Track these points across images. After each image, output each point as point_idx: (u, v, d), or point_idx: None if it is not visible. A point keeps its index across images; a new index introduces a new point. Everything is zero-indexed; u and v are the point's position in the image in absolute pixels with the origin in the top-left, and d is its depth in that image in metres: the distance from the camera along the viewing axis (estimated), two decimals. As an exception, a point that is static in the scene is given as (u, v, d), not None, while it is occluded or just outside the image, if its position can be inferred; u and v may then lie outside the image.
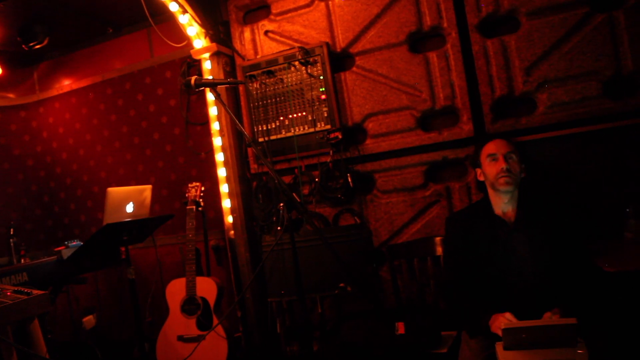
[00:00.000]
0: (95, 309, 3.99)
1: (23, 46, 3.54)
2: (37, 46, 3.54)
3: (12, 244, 3.16)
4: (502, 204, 2.07)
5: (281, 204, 3.07)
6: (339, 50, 3.08)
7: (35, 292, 2.06)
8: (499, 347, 1.73)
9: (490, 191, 2.11)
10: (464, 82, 2.80)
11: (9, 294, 2.08)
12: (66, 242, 2.91)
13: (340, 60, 3.13)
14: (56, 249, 2.82)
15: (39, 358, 2.02)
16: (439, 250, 2.69)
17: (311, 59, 3.05)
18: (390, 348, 2.28)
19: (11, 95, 4.29)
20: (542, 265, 1.96)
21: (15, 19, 3.37)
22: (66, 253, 2.78)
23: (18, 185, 4.24)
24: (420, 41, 2.96)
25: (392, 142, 2.98)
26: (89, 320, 3.89)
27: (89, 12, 3.56)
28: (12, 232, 3.15)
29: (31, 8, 3.26)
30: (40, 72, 4.32)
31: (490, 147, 2.08)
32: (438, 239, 2.72)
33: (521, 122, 2.70)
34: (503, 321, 1.78)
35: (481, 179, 2.14)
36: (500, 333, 1.72)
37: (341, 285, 2.74)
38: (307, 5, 3.15)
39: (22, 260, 2.72)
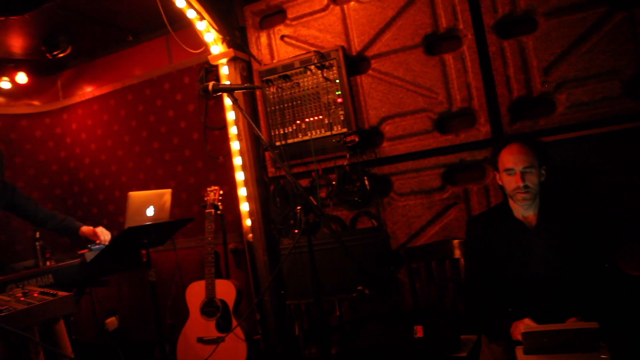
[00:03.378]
0: (118, 311, 4.06)
1: (47, 55, 3.65)
2: (61, 55, 3.64)
3: (37, 247, 3.25)
4: (522, 209, 2.05)
5: (298, 207, 3.07)
6: (354, 53, 3.10)
7: (61, 293, 2.12)
8: (519, 351, 1.71)
9: (509, 198, 2.09)
10: (480, 83, 2.78)
11: (35, 295, 2.14)
12: (89, 245, 2.97)
13: (356, 63, 3.14)
14: (80, 252, 2.88)
15: (65, 357, 2.07)
16: (458, 253, 2.68)
17: (327, 63, 3.07)
18: (409, 351, 2.28)
19: (36, 103, 4.42)
20: (563, 270, 1.94)
21: (40, 29, 3.47)
22: (89, 256, 2.84)
23: (43, 190, 4.36)
24: (436, 43, 2.95)
25: (409, 145, 2.97)
26: (112, 321, 3.97)
27: (109, 21, 3.65)
28: (37, 236, 3.23)
29: (55, 18, 3.36)
30: (63, 80, 4.43)
31: (508, 160, 2.00)
32: (456, 241, 2.70)
33: (540, 123, 2.67)
34: (523, 327, 1.76)
35: (500, 183, 2.11)
36: (520, 339, 1.70)
37: (359, 288, 2.74)
38: (323, 10, 3.17)
39: (48, 263, 2.79)
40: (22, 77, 4.12)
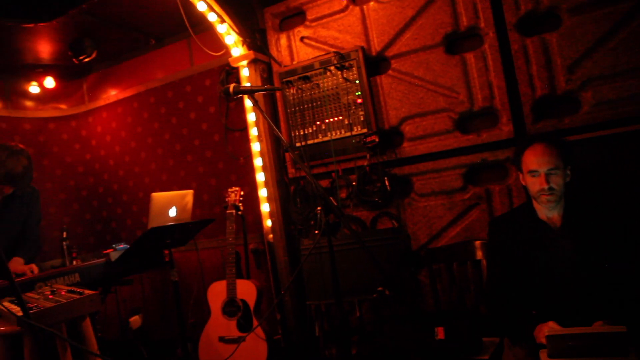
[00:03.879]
0: (141, 310, 4.14)
1: (74, 60, 3.75)
2: (86, 59, 3.73)
3: (64, 247, 3.34)
4: (547, 210, 2.01)
5: (319, 208, 3.09)
6: (374, 54, 3.09)
7: (87, 292, 2.17)
8: (543, 354, 1.68)
9: (533, 198, 2.05)
10: (502, 82, 2.74)
11: (63, 293, 2.20)
12: (114, 245, 3.04)
13: (375, 63, 3.13)
14: (105, 252, 2.95)
15: (91, 354, 2.12)
16: (480, 254, 2.64)
17: (347, 64, 3.07)
18: (430, 353, 2.26)
19: (63, 106, 4.54)
20: (589, 271, 1.89)
21: (67, 34, 3.57)
22: (114, 255, 2.91)
23: (70, 191, 4.48)
24: (457, 42, 2.92)
25: (430, 145, 2.95)
26: (135, 320, 4.04)
27: (133, 26, 3.73)
28: (64, 235, 3.32)
29: (81, 24, 3.44)
30: (89, 84, 4.54)
31: (531, 161, 1.96)
32: (478, 242, 2.67)
33: (564, 122, 2.61)
34: (547, 329, 1.73)
35: (524, 183, 2.07)
36: (545, 342, 1.67)
37: (379, 289, 2.73)
38: (342, 11, 3.18)
39: (74, 262, 2.87)
40: (50, 82, 4.25)
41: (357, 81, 3.06)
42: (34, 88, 4.27)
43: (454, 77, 2.86)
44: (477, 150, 2.83)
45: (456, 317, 2.59)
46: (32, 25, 3.27)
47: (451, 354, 2.22)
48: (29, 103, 4.35)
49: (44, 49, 3.79)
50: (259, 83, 3.33)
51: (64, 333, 2.15)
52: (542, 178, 1.92)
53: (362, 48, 3.06)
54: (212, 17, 3.21)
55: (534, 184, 1.96)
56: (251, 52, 3.30)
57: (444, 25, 2.87)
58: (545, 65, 2.64)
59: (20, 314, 1.75)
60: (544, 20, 2.67)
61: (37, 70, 4.18)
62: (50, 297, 2.15)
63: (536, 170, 1.94)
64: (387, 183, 2.99)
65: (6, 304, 1.95)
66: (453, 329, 2.26)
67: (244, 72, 3.37)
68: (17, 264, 2.75)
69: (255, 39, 3.41)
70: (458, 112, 2.87)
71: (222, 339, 3.03)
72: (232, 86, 2.06)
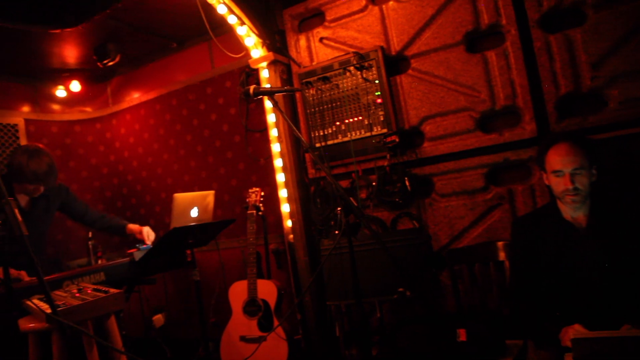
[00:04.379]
0: (164, 308, 4.20)
1: (98, 64, 3.84)
2: (110, 63, 3.82)
3: (90, 246, 3.43)
4: (572, 210, 1.97)
5: (339, 208, 3.09)
6: (393, 53, 3.07)
7: (112, 290, 2.22)
8: (568, 358, 1.64)
9: (557, 198, 2.01)
10: (525, 80, 2.69)
11: (89, 291, 2.26)
12: (137, 245, 3.09)
13: (395, 63, 3.11)
14: (129, 251, 3.00)
15: (116, 351, 2.17)
16: (502, 255, 2.60)
17: (366, 64, 3.06)
18: (451, 355, 2.23)
19: (88, 109, 4.65)
20: (615, 273, 1.84)
21: (92, 39, 3.66)
22: (137, 255, 2.96)
23: (95, 192, 4.58)
24: (478, 40, 2.89)
25: (451, 145, 2.92)
26: (158, 318, 4.11)
27: (155, 30, 3.80)
28: (90, 235, 3.41)
29: (105, 29, 3.53)
30: (113, 87, 4.64)
31: (556, 161, 1.91)
32: (501, 243, 2.63)
33: (589, 120, 2.56)
34: (572, 332, 1.69)
35: (548, 183, 2.02)
36: (570, 345, 1.64)
37: (400, 289, 2.71)
38: (361, 11, 3.17)
39: (99, 261, 2.94)
40: (75, 86, 4.36)
41: (377, 81, 3.05)
42: (60, 92, 4.39)
43: (475, 75, 2.83)
44: (499, 149, 2.80)
45: (478, 319, 2.56)
46: (58, 30, 3.36)
47: (473, 356, 2.19)
48: (55, 106, 4.47)
49: (70, 53, 3.89)
50: (279, 84, 3.35)
51: (90, 330, 2.21)
52: (567, 178, 1.88)
53: (382, 48, 3.05)
54: (232, 20, 3.25)
55: (558, 184, 1.92)
56: (271, 53, 3.32)
57: (465, 23, 2.84)
58: (570, 62, 2.58)
59: (49, 311, 1.80)
60: (567, 16, 2.62)
61: (64, 74, 4.29)
62: (77, 295, 2.21)
63: (560, 170, 1.90)
64: (407, 183, 2.97)
65: (36, 301, 2.01)
66: (475, 331, 2.23)
67: (264, 74, 3.40)
68: (137, 227, 3.17)
69: (275, 40, 3.43)
70: (479, 111, 2.84)
71: (243, 339, 3.06)
72: (252, 87, 2.08)
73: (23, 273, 2.59)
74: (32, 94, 4.29)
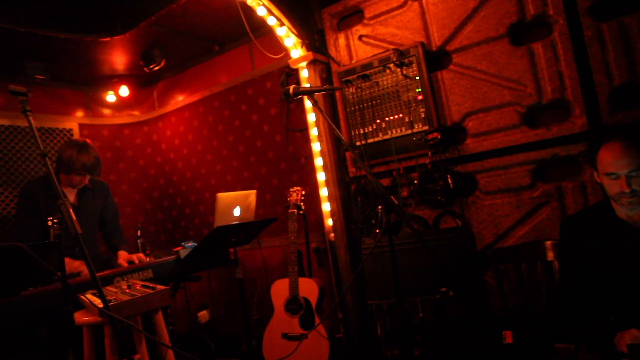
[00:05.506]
0: (208, 305, 4.31)
1: (145, 69, 3.99)
2: (156, 68, 3.96)
3: (139, 244, 3.56)
4: (627, 209, 1.85)
5: (379, 207, 3.07)
6: (434, 49, 3.02)
7: (159, 287, 2.30)
8: (623, 363, 1.56)
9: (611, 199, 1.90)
10: (574, 72, 2.57)
11: (138, 287, 2.35)
12: (183, 243, 3.18)
13: (436, 59, 3.05)
14: (174, 249, 3.10)
15: (164, 345, 2.24)
16: (551, 255, 2.50)
17: (406, 60, 3.02)
18: (497, 357, 2.17)
19: (136, 113, 4.84)
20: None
21: (138, 45, 3.81)
22: (183, 253, 3.05)
23: (143, 192, 4.76)
24: (523, 32, 2.78)
25: (495, 141, 2.83)
26: (203, 315, 4.22)
27: (198, 34, 3.90)
28: (139, 234, 3.54)
29: (150, 35, 3.66)
30: (158, 91, 4.81)
31: (609, 163, 1.78)
32: (549, 243, 2.52)
33: (646, 113, 2.41)
34: (629, 338, 1.60)
35: (599, 181, 1.91)
36: (626, 351, 1.55)
37: (443, 289, 2.66)
38: (400, 7, 3.13)
39: (147, 259, 3.04)
40: (124, 90, 4.55)
41: (417, 77, 3.00)
42: (110, 97, 4.60)
43: (520, 69, 2.73)
44: (546, 145, 2.68)
45: (525, 321, 2.47)
46: (108, 39, 3.52)
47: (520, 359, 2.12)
48: (106, 111, 4.68)
49: (119, 60, 4.07)
50: (319, 83, 3.36)
51: (140, 325, 2.30)
52: (622, 181, 1.75)
53: (422, 43, 3.00)
54: (271, 21, 3.29)
55: (613, 186, 1.80)
56: (310, 53, 3.34)
57: (509, 14, 2.75)
58: (624, 51, 2.44)
59: (101, 305, 1.89)
60: (621, 2, 2.48)
61: (113, 80, 4.49)
62: (127, 291, 2.30)
63: (615, 173, 1.77)
64: (449, 181, 2.91)
65: (89, 296, 2.12)
66: (522, 333, 2.16)
67: (304, 73, 3.42)
68: (125, 256, 3.04)
69: (314, 39, 3.45)
70: (525, 105, 2.73)
71: (285, 336, 3.09)
72: (291, 87, 2.10)
73: (79, 264, 2.74)
74: (84, 99, 4.52)
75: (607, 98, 2.50)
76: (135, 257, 3.01)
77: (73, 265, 2.70)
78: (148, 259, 3.03)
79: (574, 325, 1.97)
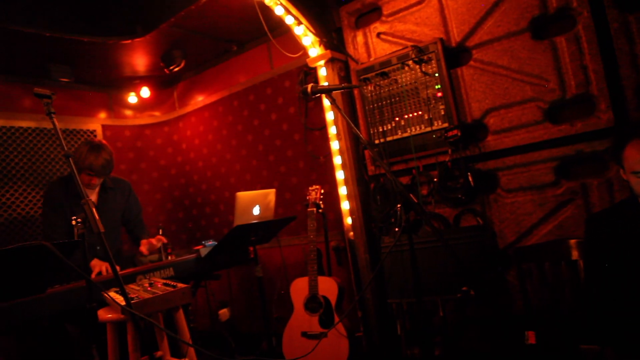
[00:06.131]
0: (229, 303, 4.35)
1: (165, 70, 4.05)
2: (176, 69, 4.02)
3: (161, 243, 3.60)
4: None
5: (399, 205, 3.04)
6: (454, 45, 2.97)
7: (180, 285, 2.33)
8: (652, 365, 1.51)
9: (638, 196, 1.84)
10: (599, 66, 2.50)
11: (159, 285, 2.38)
12: (203, 242, 3.22)
13: (455, 55, 3.01)
14: (195, 248, 3.14)
15: (184, 343, 2.27)
16: (576, 254, 2.44)
17: (425, 57, 2.99)
18: (519, 358, 2.13)
19: (157, 114, 4.91)
20: None
21: (158, 47, 3.86)
22: (203, 251, 3.09)
23: (164, 192, 4.83)
24: (545, 26, 2.72)
25: (517, 138, 2.78)
26: (224, 312, 4.26)
27: (216, 35, 3.94)
28: (160, 232, 3.59)
29: (170, 36, 3.71)
30: (178, 91, 4.87)
31: (636, 161, 1.74)
32: (574, 241, 2.47)
33: (676, 107, 2.33)
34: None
35: (626, 178, 1.86)
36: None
37: (464, 288, 2.62)
38: (419, 3, 3.10)
39: (169, 257, 3.09)
40: (145, 92, 4.63)
41: (437, 74, 2.96)
42: (132, 98, 4.68)
43: (543, 64, 2.67)
44: (570, 141, 2.62)
45: (549, 321, 2.42)
46: (129, 41, 3.58)
47: (544, 360, 2.08)
48: (128, 112, 4.76)
49: (140, 61, 4.13)
50: (337, 82, 3.35)
51: (161, 322, 2.33)
52: None
53: (441, 40, 2.96)
54: (289, 20, 3.29)
55: (639, 185, 1.76)
56: (328, 51, 3.33)
57: (530, 8, 2.69)
58: (652, 44, 2.37)
59: (123, 303, 1.93)
60: (648, -6, 2.40)
61: (134, 81, 4.57)
62: (149, 289, 2.34)
63: None
64: (470, 179, 2.87)
65: (112, 294, 2.16)
66: (546, 334, 2.12)
67: (322, 72, 3.41)
68: (144, 242, 3.12)
69: (332, 38, 3.44)
70: (548, 101, 2.67)
71: (304, 334, 3.10)
72: (310, 86, 2.10)
73: (106, 266, 2.79)
74: (107, 101, 4.61)
75: (635, 92, 2.42)
76: (154, 240, 3.07)
77: (102, 268, 2.75)
78: (166, 240, 3.09)
79: (601, 326, 1.92)
